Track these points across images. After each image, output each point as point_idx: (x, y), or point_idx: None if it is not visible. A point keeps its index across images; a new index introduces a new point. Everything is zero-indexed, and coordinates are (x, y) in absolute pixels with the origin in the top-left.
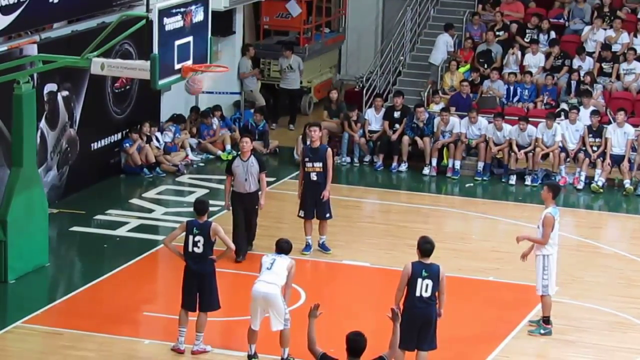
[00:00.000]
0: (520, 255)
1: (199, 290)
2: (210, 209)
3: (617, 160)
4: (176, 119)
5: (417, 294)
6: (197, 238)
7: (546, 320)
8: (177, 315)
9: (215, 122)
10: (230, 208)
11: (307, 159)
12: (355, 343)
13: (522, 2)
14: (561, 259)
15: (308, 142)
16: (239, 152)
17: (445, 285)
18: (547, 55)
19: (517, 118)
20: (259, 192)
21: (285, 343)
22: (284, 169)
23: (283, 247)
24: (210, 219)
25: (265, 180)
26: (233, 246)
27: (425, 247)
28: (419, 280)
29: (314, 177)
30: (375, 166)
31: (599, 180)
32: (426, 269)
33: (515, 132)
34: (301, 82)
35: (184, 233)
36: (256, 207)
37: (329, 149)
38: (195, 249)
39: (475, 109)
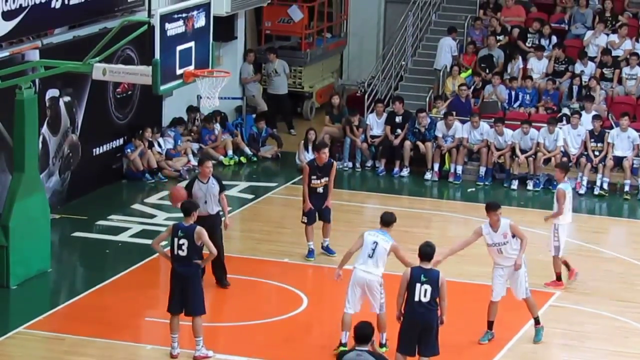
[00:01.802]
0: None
1: (184, 293)
2: None
3: (618, 161)
4: (176, 122)
5: (416, 298)
6: (181, 241)
7: (537, 320)
8: None
9: (217, 127)
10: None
11: (314, 177)
12: (361, 330)
13: (524, 6)
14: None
15: (313, 157)
16: (197, 175)
17: (446, 291)
18: (550, 59)
19: (519, 122)
20: (221, 213)
21: (382, 327)
22: (286, 174)
23: (386, 220)
24: (196, 223)
25: (225, 200)
26: (215, 251)
27: (426, 250)
28: (418, 285)
29: (320, 190)
30: (377, 171)
31: (604, 182)
32: (425, 274)
33: (518, 135)
34: (302, 87)
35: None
36: (220, 228)
37: (334, 163)
38: (180, 252)
39: (477, 114)
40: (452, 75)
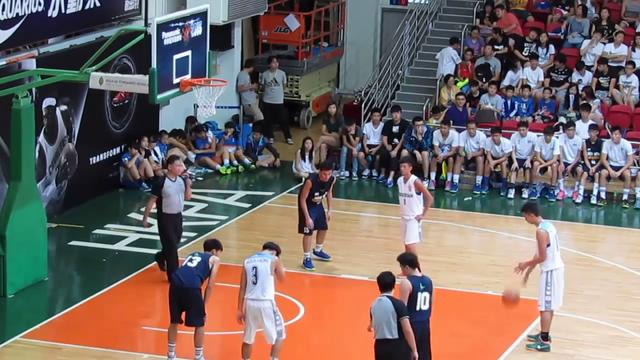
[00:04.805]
0: (516, 267)
1: (183, 304)
2: (207, 223)
3: (615, 170)
4: (175, 133)
5: (418, 307)
6: (195, 256)
7: (544, 336)
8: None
9: (210, 135)
10: (149, 225)
11: (317, 193)
12: (383, 279)
13: (520, 16)
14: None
15: (315, 174)
16: (166, 174)
17: (433, 294)
18: (547, 69)
19: (517, 124)
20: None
21: (276, 353)
22: (283, 183)
23: (267, 245)
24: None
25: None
26: (212, 286)
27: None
28: (419, 294)
29: (319, 203)
30: (378, 179)
31: (601, 191)
32: (422, 282)
33: (516, 138)
34: (299, 96)
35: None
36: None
37: (335, 178)
38: (189, 263)
39: (473, 121)
40: (447, 85)
